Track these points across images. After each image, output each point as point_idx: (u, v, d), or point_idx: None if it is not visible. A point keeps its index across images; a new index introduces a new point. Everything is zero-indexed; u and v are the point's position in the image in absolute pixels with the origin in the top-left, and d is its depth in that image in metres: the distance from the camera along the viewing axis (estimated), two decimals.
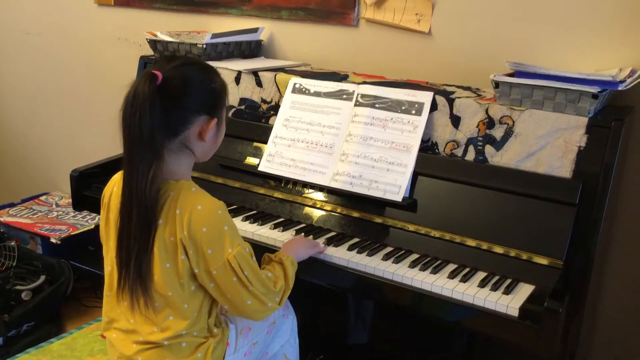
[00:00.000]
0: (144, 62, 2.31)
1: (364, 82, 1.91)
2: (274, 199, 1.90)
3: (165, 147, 1.32)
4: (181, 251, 1.32)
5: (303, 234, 1.72)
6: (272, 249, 1.64)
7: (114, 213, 1.39)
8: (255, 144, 1.99)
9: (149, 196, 1.28)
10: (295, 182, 1.88)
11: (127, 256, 1.32)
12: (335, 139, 1.85)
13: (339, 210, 1.81)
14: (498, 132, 1.67)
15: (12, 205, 3.14)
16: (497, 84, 1.66)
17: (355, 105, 1.86)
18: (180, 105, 1.32)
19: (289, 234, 1.73)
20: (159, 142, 1.29)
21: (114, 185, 1.42)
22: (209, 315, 1.42)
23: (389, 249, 1.67)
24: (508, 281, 1.50)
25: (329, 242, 1.68)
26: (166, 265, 1.33)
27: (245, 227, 1.76)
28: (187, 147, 1.36)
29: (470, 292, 1.45)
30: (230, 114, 2.11)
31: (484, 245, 1.60)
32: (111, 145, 2.43)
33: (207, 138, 1.37)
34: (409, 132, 1.76)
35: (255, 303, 1.38)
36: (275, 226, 1.77)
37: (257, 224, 1.79)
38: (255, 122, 2.05)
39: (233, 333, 1.51)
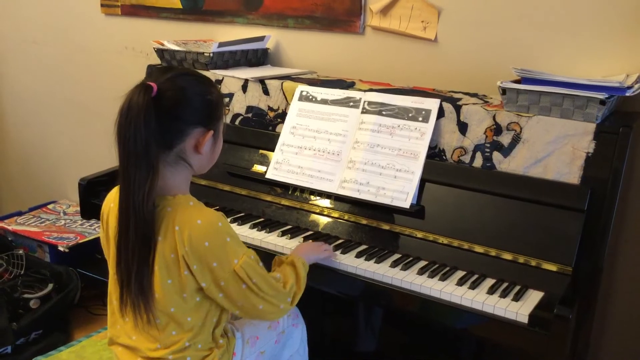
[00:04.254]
0: (151, 71, 2.33)
1: (371, 90, 1.92)
2: (281, 206, 1.90)
3: (161, 160, 1.29)
4: (183, 267, 1.30)
5: (311, 241, 1.72)
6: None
7: (112, 230, 1.37)
8: (263, 151, 2.00)
9: (147, 210, 1.26)
10: (303, 190, 1.88)
11: (127, 272, 1.29)
12: (343, 146, 1.85)
13: (346, 217, 1.81)
14: (505, 139, 1.67)
15: (19, 213, 3.15)
16: (504, 91, 1.67)
17: (362, 112, 1.86)
18: (175, 116, 1.29)
19: (296, 242, 1.73)
20: (154, 155, 1.25)
21: (112, 202, 1.40)
22: (216, 326, 1.42)
23: (397, 255, 1.66)
24: (517, 288, 1.50)
25: (336, 249, 1.68)
26: (167, 281, 1.32)
27: (253, 235, 1.77)
28: (183, 159, 1.33)
29: (479, 298, 1.45)
30: (237, 121, 2.12)
31: (493, 252, 1.60)
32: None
33: (204, 151, 1.34)
34: (416, 139, 1.76)
35: (267, 306, 1.37)
36: (283, 233, 1.77)
37: (264, 231, 1.79)
38: (262, 129, 2.05)
39: (239, 342, 1.50)
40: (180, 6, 2.62)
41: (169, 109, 1.28)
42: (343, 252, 1.67)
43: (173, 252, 1.30)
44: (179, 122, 1.30)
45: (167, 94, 1.27)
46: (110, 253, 1.40)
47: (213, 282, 1.32)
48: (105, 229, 1.42)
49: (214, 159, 1.41)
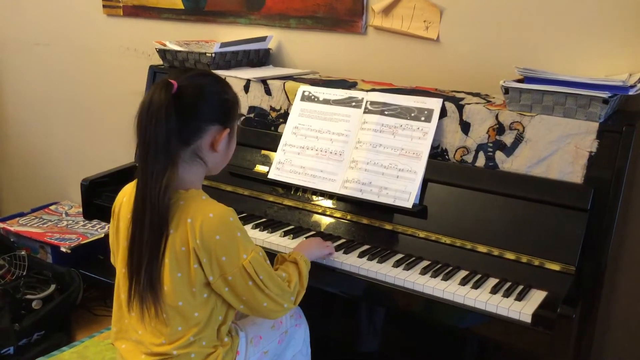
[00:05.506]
0: (154, 71, 2.33)
1: (373, 90, 1.92)
2: (284, 206, 1.90)
3: (178, 156, 1.33)
4: (194, 260, 1.32)
5: (316, 237, 1.71)
6: None
7: (123, 223, 1.40)
8: (265, 151, 2.00)
9: (162, 203, 1.29)
10: (305, 190, 1.88)
11: (138, 263, 1.32)
12: (345, 146, 1.85)
13: (348, 217, 1.80)
14: (508, 138, 1.67)
15: (22, 214, 3.15)
16: (506, 90, 1.66)
17: (365, 112, 1.86)
18: (194, 114, 1.33)
19: (298, 242, 1.73)
20: (173, 150, 1.30)
21: (124, 196, 1.43)
22: (222, 323, 1.42)
23: (400, 255, 1.66)
24: (520, 287, 1.50)
25: (339, 249, 1.68)
26: (177, 274, 1.33)
27: (256, 235, 1.76)
28: (199, 156, 1.37)
29: (482, 298, 1.45)
30: (239, 122, 2.11)
31: (496, 252, 1.59)
32: (120, 154, 2.44)
33: (219, 149, 1.38)
34: (418, 139, 1.76)
35: (271, 304, 1.39)
36: (285, 234, 1.77)
37: (267, 231, 1.79)
38: (264, 130, 2.05)
39: (243, 341, 1.51)
40: (182, 7, 2.62)
41: (189, 106, 1.32)
42: (345, 252, 1.66)
43: (184, 244, 1.32)
44: (197, 119, 1.35)
45: (187, 91, 1.32)
46: (119, 247, 1.42)
47: (221, 276, 1.33)
48: (116, 222, 1.44)
49: (228, 157, 1.45)
